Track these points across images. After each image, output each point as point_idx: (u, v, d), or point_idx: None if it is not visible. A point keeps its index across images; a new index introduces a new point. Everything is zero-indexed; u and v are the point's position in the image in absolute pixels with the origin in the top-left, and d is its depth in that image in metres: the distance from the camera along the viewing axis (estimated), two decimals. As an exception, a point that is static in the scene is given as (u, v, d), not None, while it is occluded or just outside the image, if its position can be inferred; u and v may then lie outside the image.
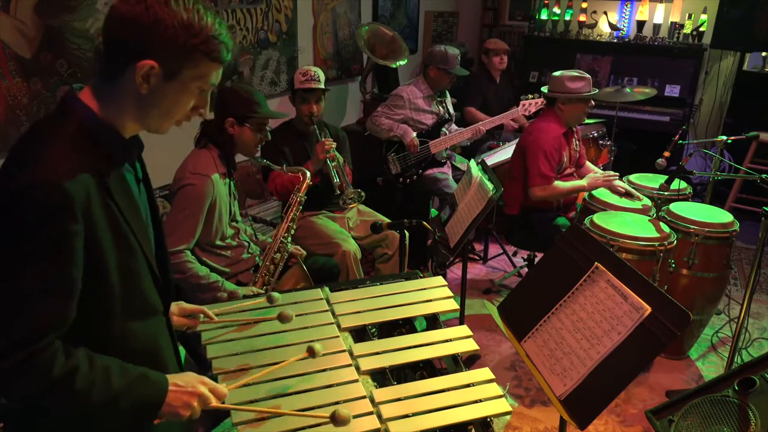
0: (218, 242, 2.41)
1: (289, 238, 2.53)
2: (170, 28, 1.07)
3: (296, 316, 1.73)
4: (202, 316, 1.59)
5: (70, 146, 1.08)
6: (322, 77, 3.08)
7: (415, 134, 3.82)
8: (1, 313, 1.03)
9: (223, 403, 1.28)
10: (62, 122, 1.11)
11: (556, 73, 3.30)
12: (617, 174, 3.32)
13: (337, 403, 1.42)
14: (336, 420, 1.27)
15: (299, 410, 1.38)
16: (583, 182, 3.32)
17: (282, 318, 1.62)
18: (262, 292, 2.40)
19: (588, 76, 3.27)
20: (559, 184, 3.28)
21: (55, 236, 1.03)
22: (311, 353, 1.45)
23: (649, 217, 3.03)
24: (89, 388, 1.08)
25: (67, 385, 1.06)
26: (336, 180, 2.99)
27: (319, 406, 1.40)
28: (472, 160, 3.39)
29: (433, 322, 1.82)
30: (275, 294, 1.74)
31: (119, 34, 1.08)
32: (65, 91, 1.18)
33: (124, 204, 1.16)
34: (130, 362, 1.16)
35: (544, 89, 3.38)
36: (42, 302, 1.04)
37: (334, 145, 2.97)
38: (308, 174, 2.56)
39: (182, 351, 2.01)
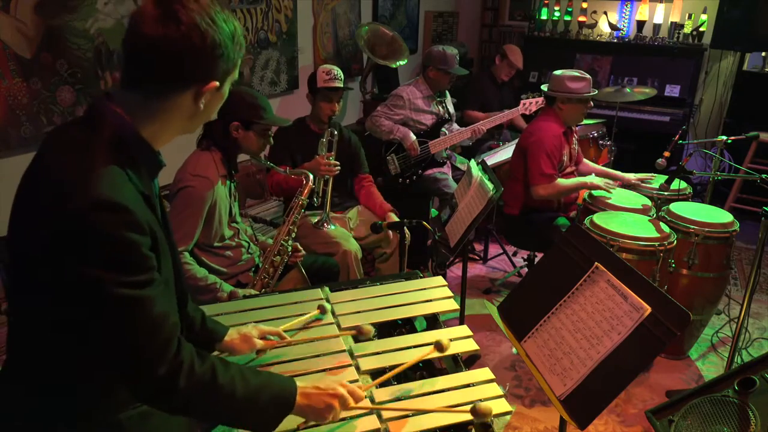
0: (217, 243, 2.41)
1: (290, 241, 2.52)
2: (225, 48, 1.08)
3: (296, 315, 1.73)
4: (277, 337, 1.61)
5: (115, 160, 1.05)
6: (343, 77, 3.11)
7: (415, 138, 3.82)
8: (128, 337, 1.04)
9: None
10: (98, 133, 1.07)
11: (557, 72, 3.30)
12: (615, 186, 3.30)
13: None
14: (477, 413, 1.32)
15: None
16: (584, 180, 3.32)
17: (361, 332, 1.65)
18: (260, 293, 2.40)
19: (588, 76, 3.27)
20: (562, 181, 3.29)
21: (137, 249, 1.02)
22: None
23: (649, 217, 3.03)
24: (231, 382, 1.13)
25: (212, 380, 1.11)
26: (317, 199, 2.98)
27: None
28: (472, 160, 3.40)
29: (433, 322, 1.82)
30: (326, 304, 1.78)
31: (176, 59, 1.04)
32: (95, 100, 1.13)
33: (158, 215, 1.16)
34: None
35: (545, 87, 3.38)
36: (160, 309, 1.06)
37: (338, 171, 2.98)
38: (311, 177, 2.56)
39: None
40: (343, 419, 1.37)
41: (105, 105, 1.10)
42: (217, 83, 1.10)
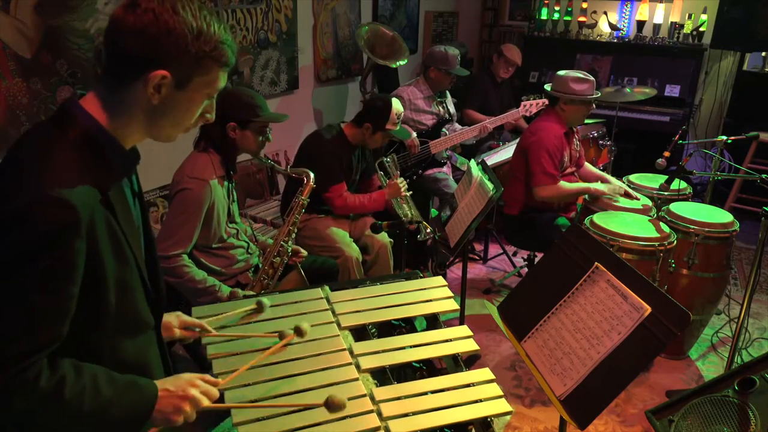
0: (216, 244, 2.41)
1: (290, 242, 2.52)
2: (181, 38, 1.05)
3: (297, 315, 1.73)
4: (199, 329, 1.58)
5: (74, 157, 1.05)
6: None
7: (415, 134, 3.82)
8: None
9: (220, 402, 1.28)
10: (64, 131, 1.07)
11: (561, 73, 3.29)
12: (622, 191, 3.29)
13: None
14: (330, 406, 1.29)
15: (299, 410, 1.38)
16: (589, 185, 3.30)
17: (283, 336, 1.59)
18: (259, 294, 2.39)
19: (592, 78, 3.26)
20: (564, 184, 3.28)
21: (60, 256, 1.00)
22: (299, 333, 1.55)
23: (649, 217, 3.03)
24: (79, 397, 1.05)
25: (56, 396, 1.03)
26: (406, 219, 3.03)
27: (319, 405, 1.40)
28: (473, 160, 3.40)
29: (433, 322, 1.82)
30: (264, 299, 1.72)
31: (128, 44, 1.04)
32: (66, 98, 1.13)
33: (122, 218, 1.14)
34: None
35: (548, 87, 3.37)
36: (40, 323, 1.01)
37: (407, 185, 3.14)
38: (312, 176, 2.55)
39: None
40: (342, 418, 1.37)
41: (74, 103, 1.10)
42: (167, 74, 1.06)
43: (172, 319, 1.52)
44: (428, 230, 2.98)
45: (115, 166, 1.12)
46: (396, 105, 3.05)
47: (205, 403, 1.22)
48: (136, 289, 1.19)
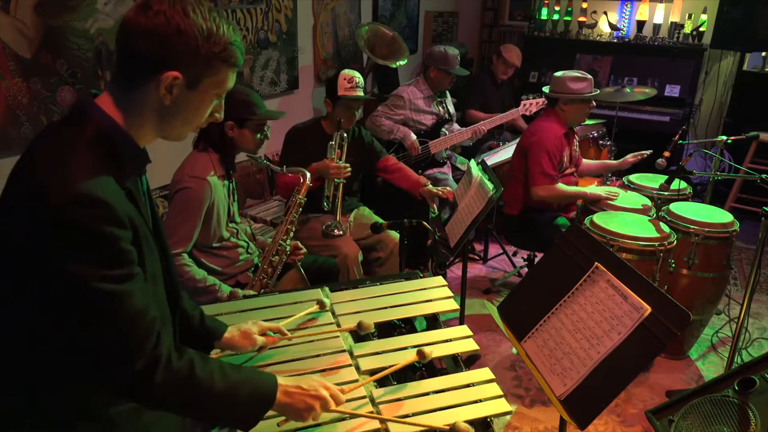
0: (215, 244, 2.41)
1: (288, 240, 2.51)
2: (192, 39, 1.06)
3: (295, 316, 1.73)
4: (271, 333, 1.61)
5: (94, 155, 1.06)
6: (363, 82, 3.03)
7: (415, 137, 3.82)
8: (105, 331, 1.05)
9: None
10: (81, 129, 1.08)
11: (558, 74, 3.30)
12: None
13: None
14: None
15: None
16: (585, 190, 3.32)
17: (361, 328, 1.65)
18: (259, 294, 2.39)
19: (590, 77, 3.27)
20: (562, 186, 3.28)
21: (116, 243, 1.03)
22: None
23: (649, 217, 3.03)
24: (210, 377, 1.14)
25: (190, 375, 1.12)
26: (327, 205, 2.93)
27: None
28: (473, 160, 3.39)
29: (433, 322, 1.82)
30: (325, 300, 1.77)
31: (140, 46, 1.06)
32: (80, 97, 1.14)
33: (143, 210, 1.16)
34: None
35: (546, 89, 3.38)
36: (132, 307, 1.06)
37: (348, 173, 2.89)
38: (308, 175, 2.55)
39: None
40: (343, 418, 1.37)
41: (89, 101, 1.11)
42: (179, 75, 1.08)
43: (250, 326, 1.55)
44: (339, 231, 2.83)
45: (130, 163, 1.14)
46: (345, 71, 2.99)
47: (333, 406, 1.30)
48: (159, 280, 1.22)
